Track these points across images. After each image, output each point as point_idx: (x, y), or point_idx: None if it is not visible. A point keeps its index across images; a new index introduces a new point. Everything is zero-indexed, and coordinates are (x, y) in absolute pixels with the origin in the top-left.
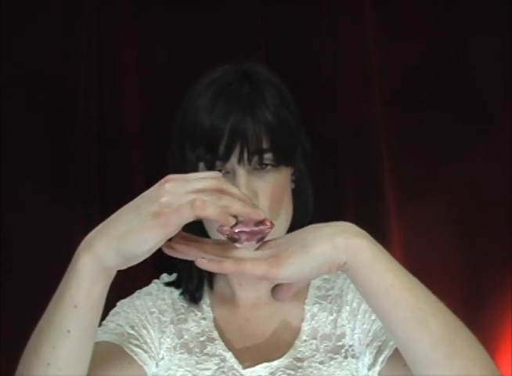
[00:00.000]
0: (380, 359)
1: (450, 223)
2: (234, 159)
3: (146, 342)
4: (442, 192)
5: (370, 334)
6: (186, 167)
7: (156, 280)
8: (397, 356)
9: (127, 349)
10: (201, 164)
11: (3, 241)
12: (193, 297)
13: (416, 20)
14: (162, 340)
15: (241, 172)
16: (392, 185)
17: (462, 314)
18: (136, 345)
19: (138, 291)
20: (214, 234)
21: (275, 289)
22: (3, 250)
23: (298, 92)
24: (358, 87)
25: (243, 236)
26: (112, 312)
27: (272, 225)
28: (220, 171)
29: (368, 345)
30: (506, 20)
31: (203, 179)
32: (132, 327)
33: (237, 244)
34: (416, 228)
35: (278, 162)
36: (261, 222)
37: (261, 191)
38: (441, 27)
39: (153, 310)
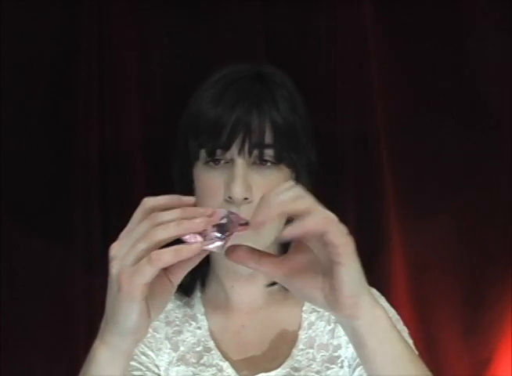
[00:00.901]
0: None
1: (450, 224)
2: (235, 149)
3: (148, 369)
4: (442, 192)
5: None
6: (188, 154)
7: None
8: None
9: None
10: (202, 152)
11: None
12: (187, 290)
13: (417, 20)
14: (160, 357)
15: (240, 162)
16: (392, 185)
17: (462, 314)
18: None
19: None
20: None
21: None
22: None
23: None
24: (358, 87)
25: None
26: None
27: (238, 217)
28: (220, 160)
29: (359, 365)
30: (507, 20)
31: (131, 222)
32: (132, 358)
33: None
34: (416, 229)
35: (279, 159)
36: (225, 226)
37: (257, 186)
38: (441, 27)
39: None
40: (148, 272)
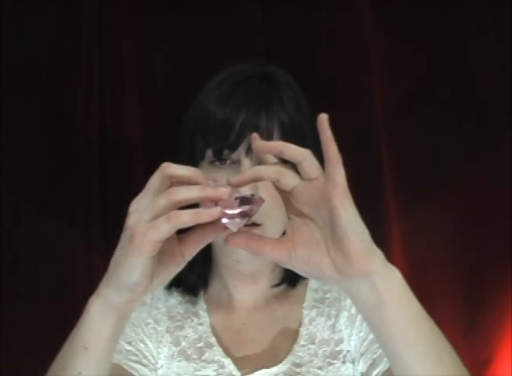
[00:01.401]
0: (375, 373)
1: (450, 223)
2: (242, 149)
3: (145, 356)
4: (442, 192)
5: (366, 343)
6: (194, 153)
7: None
8: (391, 372)
9: (126, 367)
10: (209, 151)
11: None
12: (193, 289)
13: (416, 20)
14: (159, 350)
15: (246, 163)
16: (392, 185)
17: (462, 314)
18: (135, 361)
19: None
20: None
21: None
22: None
23: None
24: (358, 87)
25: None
26: None
27: (262, 201)
28: (226, 160)
29: (362, 355)
30: (506, 21)
31: (149, 183)
32: (130, 343)
33: (224, 221)
34: (416, 228)
35: (285, 161)
36: (248, 201)
37: (263, 186)
38: (441, 27)
39: (148, 321)
40: (164, 229)
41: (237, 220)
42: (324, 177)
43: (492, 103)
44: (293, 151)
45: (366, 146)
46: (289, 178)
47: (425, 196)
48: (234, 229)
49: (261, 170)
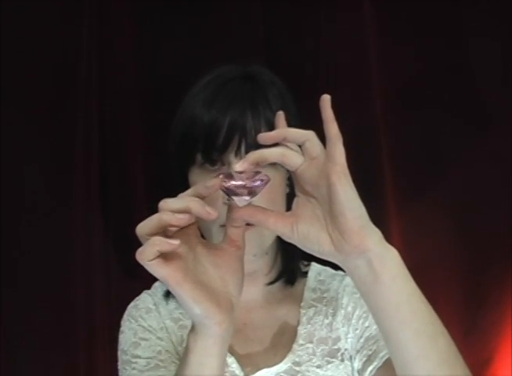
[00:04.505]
0: (370, 369)
1: (450, 223)
2: (231, 151)
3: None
4: (442, 192)
5: (362, 340)
6: (184, 158)
7: (148, 291)
8: (385, 368)
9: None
10: (198, 155)
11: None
12: None
13: (416, 20)
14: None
15: (236, 164)
16: (392, 185)
17: (462, 314)
18: (172, 362)
19: (135, 306)
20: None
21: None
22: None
23: (298, 92)
24: (358, 87)
25: (239, 190)
26: (129, 341)
27: (268, 179)
28: (216, 162)
29: (358, 352)
30: (506, 21)
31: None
32: (160, 352)
33: (233, 197)
34: (416, 228)
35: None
36: (255, 175)
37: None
38: (441, 27)
39: (161, 326)
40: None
41: (245, 197)
42: (325, 155)
43: (492, 102)
44: (297, 134)
45: (366, 145)
46: (293, 159)
47: (425, 195)
48: (241, 205)
49: (265, 152)
